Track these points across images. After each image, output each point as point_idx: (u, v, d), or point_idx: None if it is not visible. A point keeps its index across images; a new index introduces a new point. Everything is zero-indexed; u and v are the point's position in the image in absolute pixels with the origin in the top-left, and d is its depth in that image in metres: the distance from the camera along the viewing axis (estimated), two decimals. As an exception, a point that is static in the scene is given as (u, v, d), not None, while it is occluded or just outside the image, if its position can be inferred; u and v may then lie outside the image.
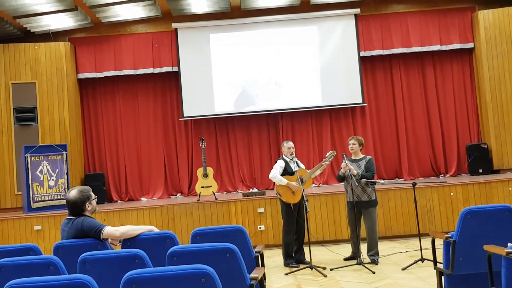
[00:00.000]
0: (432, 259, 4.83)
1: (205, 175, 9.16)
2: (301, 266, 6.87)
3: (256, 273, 3.59)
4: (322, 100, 10.28)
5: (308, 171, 7.22)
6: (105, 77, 10.35)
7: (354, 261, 6.74)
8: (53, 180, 9.17)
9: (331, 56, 10.29)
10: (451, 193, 8.53)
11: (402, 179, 10.23)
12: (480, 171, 9.81)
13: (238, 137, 10.54)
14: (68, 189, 8.86)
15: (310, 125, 10.53)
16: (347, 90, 10.27)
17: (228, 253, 3.36)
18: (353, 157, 7.05)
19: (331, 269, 6.59)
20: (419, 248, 6.61)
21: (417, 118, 10.48)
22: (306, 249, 7.04)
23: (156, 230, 4.21)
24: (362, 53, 10.30)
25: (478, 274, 4.38)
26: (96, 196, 4.33)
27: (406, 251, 7.40)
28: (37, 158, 9.08)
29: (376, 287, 5.72)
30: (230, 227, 4.49)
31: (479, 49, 10.12)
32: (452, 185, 8.61)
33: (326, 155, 7.15)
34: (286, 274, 6.62)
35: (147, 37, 10.39)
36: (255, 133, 10.54)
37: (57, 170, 9.20)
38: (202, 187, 9.12)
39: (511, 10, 9.91)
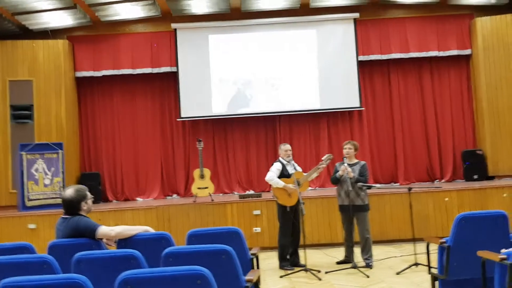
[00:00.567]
0: (426, 264, 4.85)
1: (202, 176, 9.15)
2: (296, 269, 6.88)
3: (251, 276, 3.60)
4: (320, 104, 10.29)
5: (305, 174, 7.23)
6: (103, 76, 10.32)
7: (348, 265, 6.76)
8: (48, 178, 9.15)
9: (329, 59, 10.31)
10: (446, 199, 8.55)
11: (398, 184, 10.25)
12: (475, 177, 9.83)
13: (236, 138, 10.54)
14: (63, 188, 8.84)
15: (308, 128, 10.54)
16: (345, 94, 10.29)
17: (224, 255, 3.37)
18: (347, 162, 7.06)
19: (325, 272, 6.60)
20: (414, 252, 6.63)
21: (414, 123, 10.51)
22: (301, 252, 7.05)
23: (151, 230, 4.21)
24: (361, 58, 10.33)
25: (471, 280, 4.41)
26: (93, 196, 4.34)
27: (401, 256, 7.43)
28: (33, 156, 9.07)
29: (370, 291, 5.74)
30: (226, 229, 4.50)
31: (477, 55, 10.16)
32: (447, 191, 8.64)
33: (322, 158, 7.18)
34: (281, 276, 6.62)
35: (146, 36, 10.39)
36: (252, 135, 10.54)
37: (52, 169, 9.19)
38: (198, 188, 9.11)
39: (509, 17, 9.95)
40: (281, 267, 7.05)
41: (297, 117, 10.47)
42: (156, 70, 10.34)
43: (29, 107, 9.63)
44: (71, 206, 4.13)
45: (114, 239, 4.09)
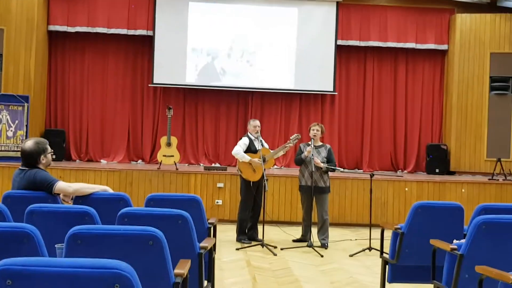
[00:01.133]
0: (379, 248, 4.94)
1: (169, 144, 9.09)
2: (253, 243, 6.95)
3: (206, 243, 3.61)
4: (294, 84, 10.30)
5: (272, 151, 7.27)
6: (77, 32, 10.09)
7: (304, 244, 6.85)
8: (11, 131, 8.97)
9: (308, 40, 10.28)
10: (406, 189, 8.72)
11: (362, 170, 10.38)
12: (437, 170, 10.03)
13: (207, 110, 10.48)
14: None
15: (280, 107, 10.55)
16: (320, 77, 10.31)
17: (180, 220, 3.36)
18: (314, 143, 7.10)
19: (281, 249, 6.69)
20: (369, 237, 6.75)
21: (384, 113, 10.62)
22: (260, 227, 7.11)
23: (110, 191, 4.18)
24: (339, 42, 10.33)
25: (421, 267, 4.50)
26: (52, 150, 4.25)
27: (356, 239, 7.58)
28: (-2, 106, 8.86)
29: (322, 270, 5.84)
30: (186, 196, 4.51)
31: (452, 51, 10.28)
32: (408, 181, 8.81)
33: (291, 138, 7.23)
34: (237, 249, 6.69)
35: (125, -3, 10.18)
36: (223, 108, 10.50)
37: (16, 121, 9.00)
38: (164, 155, 9.05)
39: (488, 17, 10.08)
40: (238, 240, 7.11)
41: (270, 95, 10.46)
42: (131, 32, 10.15)
43: (-2, 56, 9.37)
44: (30, 158, 4.06)
45: (71, 195, 4.04)
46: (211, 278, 4.13)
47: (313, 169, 6.76)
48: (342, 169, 7.11)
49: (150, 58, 10.27)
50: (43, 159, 4.09)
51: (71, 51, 10.33)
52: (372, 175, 6.96)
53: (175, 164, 9.01)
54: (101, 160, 10.23)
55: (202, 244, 3.52)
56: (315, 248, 6.62)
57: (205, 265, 3.64)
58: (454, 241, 3.93)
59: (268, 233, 7.48)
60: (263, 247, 6.66)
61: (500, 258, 3.57)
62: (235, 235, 7.22)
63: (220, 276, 5.35)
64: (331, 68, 10.27)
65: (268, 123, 10.41)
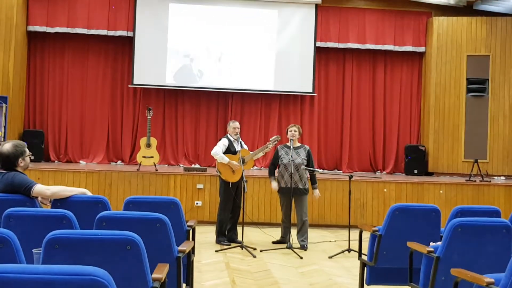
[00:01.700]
0: (358, 250, 4.99)
1: (148, 145, 9.05)
2: (233, 244, 6.96)
3: (184, 246, 3.62)
4: (274, 85, 10.34)
5: (251, 152, 7.29)
6: (56, 33, 10.00)
7: (284, 245, 6.88)
8: (-11, 132, 8.85)
9: (287, 42, 10.33)
10: (385, 190, 8.81)
11: (341, 171, 10.46)
12: (415, 172, 10.15)
13: (186, 111, 10.46)
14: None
15: (259, 108, 10.58)
16: (299, 78, 10.37)
17: (158, 223, 3.36)
18: (289, 144, 7.13)
19: (261, 251, 6.71)
20: (348, 238, 6.81)
21: (363, 114, 10.71)
22: (239, 228, 7.12)
23: (89, 193, 4.16)
24: (318, 44, 10.40)
25: (399, 269, 4.56)
26: (31, 153, 4.22)
27: (335, 241, 7.63)
28: (-26, 107, 8.74)
29: (301, 271, 5.88)
30: (164, 198, 4.50)
31: (430, 54, 10.41)
32: (387, 182, 8.90)
33: (270, 139, 7.25)
34: (217, 251, 6.69)
35: (105, -3, 10.11)
36: (203, 110, 10.49)
37: (-6, 122, 8.89)
38: (143, 156, 9.01)
39: (464, 20, 10.23)
40: (218, 242, 7.11)
41: (250, 96, 10.49)
42: (111, 33, 10.10)
43: (-26, 56, 9.24)
44: (8, 161, 4.02)
45: (50, 198, 4.01)
46: (189, 282, 4.14)
47: (293, 171, 6.80)
48: (321, 170, 7.16)
49: (130, 59, 10.22)
50: (21, 162, 4.05)
51: (51, 52, 10.23)
52: (351, 177, 7.01)
53: (155, 165, 8.98)
54: (80, 161, 10.15)
55: (180, 248, 3.53)
56: (295, 250, 6.65)
57: (183, 268, 3.65)
58: (431, 243, 3.99)
59: (248, 234, 7.50)
60: (242, 248, 6.67)
61: (475, 261, 3.63)
62: (214, 237, 7.22)
63: (199, 279, 5.35)
64: (310, 70, 10.33)
65: (248, 124, 10.43)
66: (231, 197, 7.12)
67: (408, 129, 10.80)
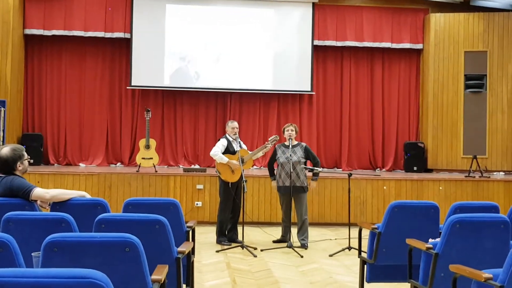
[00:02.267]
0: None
1: (147, 147, 9.06)
2: (233, 244, 6.97)
3: (184, 247, 3.63)
4: (272, 85, 10.35)
5: (250, 152, 7.30)
6: (53, 35, 10.00)
7: (284, 244, 6.89)
8: (-13, 136, 8.86)
9: (285, 41, 10.33)
10: (384, 187, 8.82)
11: (341, 169, 10.47)
12: (415, 168, 10.16)
13: (185, 112, 10.47)
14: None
15: (258, 108, 10.59)
16: (297, 77, 10.37)
17: (157, 225, 3.37)
18: (287, 143, 7.14)
19: (261, 250, 6.72)
20: (348, 236, 6.82)
21: (361, 112, 10.72)
22: (239, 228, 7.13)
23: (88, 196, 4.16)
24: (316, 42, 10.41)
25: (398, 266, 4.57)
26: (29, 157, 4.22)
27: (335, 239, 7.64)
28: (-27, 111, 8.75)
29: (302, 270, 5.89)
30: (164, 200, 4.51)
31: (427, 51, 10.42)
32: (386, 179, 8.91)
33: (269, 139, 7.27)
34: (217, 251, 6.69)
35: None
36: (202, 110, 10.49)
37: (-8, 126, 8.89)
38: (143, 158, 9.02)
39: (461, 16, 10.23)
40: (218, 242, 7.12)
41: (248, 96, 10.49)
42: (109, 35, 10.10)
43: (-28, 61, 9.25)
44: (6, 165, 4.02)
45: (49, 202, 4.02)
46: (190, 282, 4.15)
47: (291, 170, 6.81)
48: (320, 169, 7.16)
49: (128, 60, 10.23)
50: (19, 166, 4.06)
51: (48, 55, 10.24)
52: (350, 175, 7.02)
53: (154, 166, 8.99)
54: (80, 164, 10.16)
55: (180, 249, 3.54)
56: (295, 249, 6.66)
57: (183, 269, 3.65)
58: (430, 240, 4.00)
59: (249, 234, 7.51)
60: (243, 248, 6.68)
61: (474, 257, 3.65)
62: (215, 237, 7.23)
63: (200, 279, 5.36)
64: (308, 68, 10.34)
65: (246, 123, 10.44)
66: (231, 197, 7.12)
67: (407, 126, 10.81)
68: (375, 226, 4.67)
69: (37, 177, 8.31)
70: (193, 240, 4.60)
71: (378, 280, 4.71)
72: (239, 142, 7.28)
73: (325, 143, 10.74)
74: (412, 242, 4.08)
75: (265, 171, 9.58)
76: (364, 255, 4.92)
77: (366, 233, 4.87)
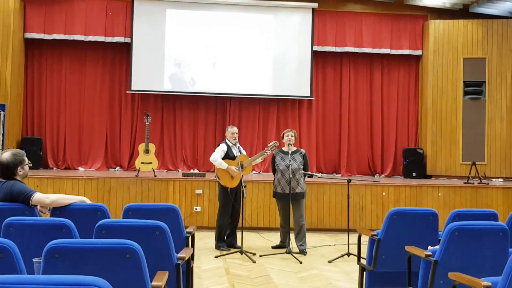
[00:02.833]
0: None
1: (147, 151, 9.07)
2: (232, 250, 6.97)
3: (183, 253, 3.64)
4: (272, 90, 10.37)
5: (249, 158, 7.31)
6: (54, 39, 10.03)
7: (283, 250, 6.90)
8: (-13, 139, 8.86)
9: (284, 46, 10.36)
10: (384, 193, 8.83)
11: (340, 175, 10.48)
12: (414, 174, 10.17)
13: (185, 116, 10.48)
14: (1, 150, 8.58)
15: (258, 113, 10.61)
16: (297, 82, 10.40)
17: (157, 231, 3.38)
18: (286, 149, 7.16)
19: (260, 256, 6.72)
20: (347, 242, 6.82)
21: (360, 117, 10.74)
22: (238, 234, 7.13)
23: (88, 201, 4.17)
24: (315, 48, 10.43)
25: (398, 273, 4.58)
26: (30, 162, 4.23)
27: (335, 245, 7.64)
28: (-27, 115, 8.75)
29: (301, 276, 5.89)
30: (163, 205, 4.51)
31: (427, 57, 10.45)
32: (385, 185, 8.92)
33: (268, 145, 7.27)
34: (216, 256, 6.69)
35: (102, 4, 10.12)
36: (202, 115, 10.51)
37: (-8, 130, 8.90)
38: (142, 162, 9.02)
39: (460, 23, 10.27)
40: (217, 247, 7.12)
41: (248, 101, 10.51)
42: (109, 39, 10.12)
43: (-28, 64, 9.26)
44: (7, 170, 4.03)
45: (49, 207, 4.02)
46: (189, 288, 4.15)
47: (291, 176, 6.82)
48: (319, 174, 7.16)
49: (127, 65, 10.25)
50: (20, 171, 4.06)
51: (48, 58, 10.25)
52: (349, 181, 7.03)
53: (153, 171, 8.99)
54: (79, 168, 10.16)
55: (179, 255, 3.55)
56: (294, 255, 6.66)
57: (183, 275, 3.66)
58: (429, 247, 4.01)
59: (248, 239, 7.51)
60: (242, 254, 6.68)
61: (473, 264, 3.66)
62: (214, 243, 7.23)
63: (199, 285, 5.36)
64: (307, 74, 10.36)
65: (246, 128, 10.46)
66: (230, 203, 7.13)
67: (406, 132, 10.84)
68: (375, 232, 4.68)
69: (36, 181, 8.32)
70: (193, 245, 4.61)
71: (378, 286, 4.71)
72: (238, 147, 7.29)
73: (324, 149, 10.76)
74: (411, 249, 4.10)
75: (264, 177, 9.62)
76: (363, 261, 4.93)
77: (365, 239, 4.88)
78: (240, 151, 7.27)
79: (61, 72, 10.27)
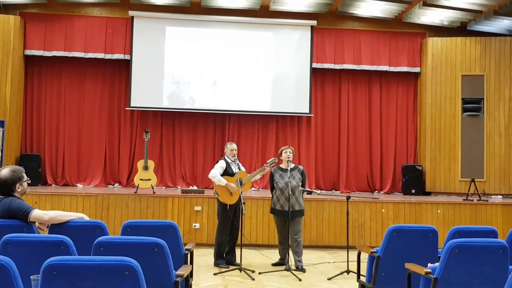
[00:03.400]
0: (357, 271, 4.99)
1: (145, 168, 9.07)
2: (231, 267, 6.93)
3: (182, 271, 3.62)
4: (271, 106, 10.40)
5: (248, 174, 7.30)
6: (53, 56, 10.07)
7: (282, 267, 6.86)
8: (-14, 156, 8.85)
9: (283, 64, 10.42)
10: (383, 210, 8.81)
11: (339, 191, 10.47)
12: (413, 191, 10.16)
13: (184, 133, 10.50)
14: (0, 167, 8.57)
15: (256, 129, 10.62)
16: (296, 99, 10.43)
17: (156, 248, 3.37)
18: (284, 166, 7.15)
19: (259, 273, 6.68)
20: (347, 260, 6.79)
21: (359, 134, 10.76)
22: (238, 250, 7.10)
23: (86, 218, 4.15)
24: (314, 65, 10.49)
25: (398, 290, 4.56)
26: (29, 179, 4.22)
27: (334, 262, 7.59)
28: (-28, 131, 8.76)
29: (300, 294, 5.84)
30: (162, 222, 4.50)
31: (425, 74, 10.51)
32: (385, 202, 8.90)
33: (268, 161, 7.26)
34: (215, 274, 6.66)
35: (102, 21, 10.19)
36: (201, 131, 10.52)
37: (-9, 147, 8.90)
38: (141, 179, 9.01)
39: (458, 40, 10.34)
40: (216, 264, 7.08)
41: (247, 117, 10.54)
42: (108, 56, 10.17)
43: (-28, 81, 9.29)
44: (5, 187, 4.02)
45: (47, 223, 4.01)
46: (188, 306, 4.11)
47: (290, 193, 6.81)
48: (318, 191, 7.14)
49: (127, 81, 10.29)
50: (18, 188, 4.05)
51: (48, 75, 10.29)
52: (348, 198, 7.01)
53: (152, 187, 8.98)
54: (78, 184, 10.14)
55: (178, 272, 3.53)
56: (293, 272, 6.62)
57: (182, 293, 3.63)
58: (429, 264, 4.00)
59: (247, 256, 7.47)
60: (241, 271, 6.64)
61: (473, 282, 3.65)
62: (213, 260, 7.19)
63: (198, 302, 5.32)
64: (306, 91, 10.40)
65: (245, 145, 10.46)
66: (229, 219, 7.10)
67: (405, 149, 10.85)
68: (374, 249, 4.67)
69: (35, 197, 8.29)
70: (191, 263, 4.59)
71: (377, 304, 4.67)
72: (237, 164, 7.29)
73: (323, 165, 10.75)
74: (411, 266, 4.08)
75: (264, 193, 9.60)
76: (363, 279, 4.91)
77: (365, 256, 4.86)
78: (239, 168, 7.27)
79: (60, 88, 10.29)
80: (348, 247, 6.88)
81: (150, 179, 9.03)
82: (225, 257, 7.17)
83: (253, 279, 6.39)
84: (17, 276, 2.54)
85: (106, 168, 10.34)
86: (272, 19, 10.42)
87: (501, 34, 10.42)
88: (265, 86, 10.38)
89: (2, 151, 8.98)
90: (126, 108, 10.25)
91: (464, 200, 9.16)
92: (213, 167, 7.29)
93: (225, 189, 7.05)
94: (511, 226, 8.18)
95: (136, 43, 10.14)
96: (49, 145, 10.21)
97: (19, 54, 9.82)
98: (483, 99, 10.19)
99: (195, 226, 8.54)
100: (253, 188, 10.17)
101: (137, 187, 8.95)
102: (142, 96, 10.14)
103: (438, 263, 3.81)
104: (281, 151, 7.29)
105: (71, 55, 10.06)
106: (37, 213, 3.92)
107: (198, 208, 8.60)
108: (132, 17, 10.17)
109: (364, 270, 4.84)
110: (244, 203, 6.67)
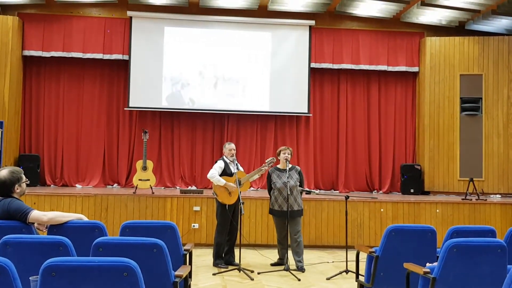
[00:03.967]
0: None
1: (144, 168, 9.07)
2: (230, 267, 6.93)
3: (181, 271, 3.62)
4: (269, 106, 10.40)
5: (247, 174, 7.30)
6: (52, 57, 10.07)
7: (281, 267, 6.86)
8: (-16, 157, 8.85)
9: (282, 63, 10.42)
10: (382, 209, 8.82)
11: (338, 191, 10.47)
12: (412, 191, 10.17)
13: (183, 133, 10.50)
14: (-1, 168, 8.56)
15: (255, 129, 10.63)
16: (295, 99, 10.44)
17: (155, 248, 3.37)
18: (282, 167, 7.16)
19: (258, 273, 6.68)
20: (345, 259, 6.79)
21: (358, 134, 10.77)
22: (236, 251, 7.10)
23: (85, 219, 4.15)
24: (313, 65, 10.50)
25: (397, 290, 4.56)
26: (28, 180, 4.22)
27: (333, 262, 7.59)
28: (-30, 132, 8.75)
29: (299, 294, 5.85)
30: (161, 223, 4.50)
31: (423, 73, 10.52)
32: (383, 202, 8.91)
33: (266, 161, 7.26)
34: (214, 274, 6.66)
35: (100, 22, 10.20)
36: (199, 131, 10.52)
37: (-10, 147, 8.89)
38: (139, 179, 9.02)
39: (457, 40, 10.35)
40: (215, 264, 7.08)
41: (246, 117, 10.54)
42: (107, 57, 10.17)
43: (-30, 82, 9.28)
44: (4, 188, 4.02)
45: (46, 224, 4.01)
46: (187, 306, 4.12)
47: (289, 193, 6.81)
48: (317, 191, 7.14)
49: (125, 82, 10.29)
50: (17, 189, 4.05)
51: (46, 76, 10.29)
52: (347, 197, 7.02)
53: (151, 187, 8.98)
54: (76, 185, 10.14)
55: (177, 273, 3.53)
56: (292, 272, 6.63)
57: (181, 293, 3.64)
58: (427, 264, 4.01)
59: (246, 256, 7.48)
60: (240, 271, 6.64)
61: (471, 281, 3.65)
62: (211, 260, 7.19)
63: (197, 302, 5.33)
64: (305, 90, 10.41)
65: (244, 145, 10.47)
66: (228, 220, 7.10)
67: (403, 148, 10.86)
68: (373, 249, 4.67)
69: (34, 198, 8.29)
70: (190, 263, 4.59)
71: (376, 304, 4.68)
72: (236, 164, 7.29)
73: (322, 165, 10.76)
74: (409, 266, 4.08)
75: (262, 193, 9.60)
76: (361, 278, 4.91)
77: (363, 256, 4.86)
78: (237, 168, 7.27)
79: (59, 89, 10.29)
80: (347, 247, 6.89)
81: (149, 180, 9.03)
82: (224, 257, 7.17)
83: (252, 279, 6.39)
84: (16, 277, 2.54)
85: (105, 169, 10.34)
86: (271, 19, 10.43)
87: (500, 33, 10.44)
88: (263, 86, 10.38)
89: (1, 152, 8.97)
90: (125, 109, 10.26)
91: (462, 199, 9.17)
92: (211, 167, 7.29)
93: (224, 189, 7.05)
94: (510, 225, 8.19)
95: (135, 44, 10.14)
96: (48, 146, 10.21)
97: (18, 55, 9.82)
98: (481, 98, 10.20)
99: (194, 226, 8.54)
100: (252, 188, 10.18)
101: (136, 188, 8.95)
102: (140, 96, 10.14)
103: (436, 262, 3.82)
104: (280, 151, 7.29)
105: (70, 56, 10.06)
106: (36, 214, 3.92)
107: (197, 208, 8.60)
108: (131, 18, 10.17)
109: (363, 270, 4.85)
110: (243, 203, 6.67)
